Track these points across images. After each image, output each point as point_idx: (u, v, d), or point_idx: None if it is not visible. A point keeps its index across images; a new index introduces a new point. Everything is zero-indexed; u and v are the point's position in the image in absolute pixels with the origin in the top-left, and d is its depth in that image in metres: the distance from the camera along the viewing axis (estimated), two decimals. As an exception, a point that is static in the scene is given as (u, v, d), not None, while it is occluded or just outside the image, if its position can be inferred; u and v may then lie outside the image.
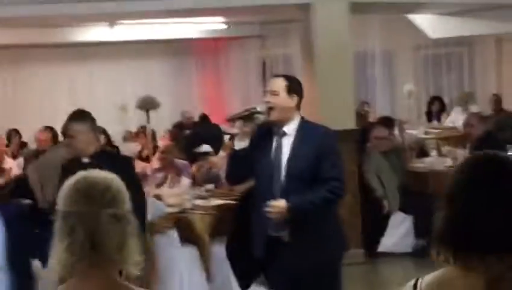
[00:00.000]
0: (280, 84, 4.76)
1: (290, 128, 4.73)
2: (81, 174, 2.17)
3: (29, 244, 5.70)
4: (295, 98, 4.76)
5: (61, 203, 2.12)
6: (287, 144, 4.71)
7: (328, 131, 4.83)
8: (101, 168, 5.20)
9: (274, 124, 4.75)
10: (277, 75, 5.04)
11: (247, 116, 4.78)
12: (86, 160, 5.31)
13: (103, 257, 2.06)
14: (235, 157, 4.84)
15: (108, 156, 5.53)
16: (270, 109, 4.71)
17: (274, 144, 4.72)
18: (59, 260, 2.06)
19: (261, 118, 4.77)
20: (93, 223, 2.05)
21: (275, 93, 4.73)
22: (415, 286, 2.08)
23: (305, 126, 4.75)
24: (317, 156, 4.60)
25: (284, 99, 4.72)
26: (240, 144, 4.75)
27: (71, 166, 5.44)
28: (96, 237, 2.05)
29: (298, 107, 4.79)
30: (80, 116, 5.50)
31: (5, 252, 4.90)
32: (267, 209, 4.55)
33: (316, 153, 4.60)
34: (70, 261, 2.05)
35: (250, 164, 4.74)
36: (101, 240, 2.05)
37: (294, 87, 4.80)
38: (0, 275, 4.89)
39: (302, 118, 4.80)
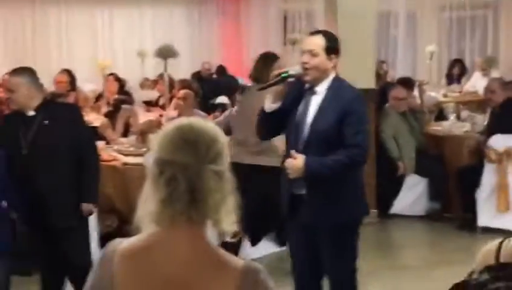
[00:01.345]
0: (319, 43, 4.55)
1: (322, 87, 4.57)
2: (185, 120, 2.04)
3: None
4: (334, 59, 4.58)
5: (160, 150, 1.99)
6: (315, 103, 4.57)
7: (357, 96, 4.62)
8: (47, 120, 5.24)
9: (310, 84, 4.59)
10: (314, 32, 4.73)
11: (280, 82, 4.57)
12: (31, 113, 5.34)
13: (201, 214, 1.96)
14: (267, 117, 4.67)
15: (54, 108, 5.56)
16: (307, 69, 4.51)
17: (303, 102, 4.59)
18: (152, 211, 1.97)
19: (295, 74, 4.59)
20: (196, 178, 1.94)
21: (313, 53, 4.52)
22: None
23: (336, 86, 4.57)
24: (341, 120, 4.46)
25: (322, 60, 4.53)
26: (272, 106, 4.57)
27: (14, 119, 5.49)
28: (197, 192, 1.94)
29: (335, 67, 4.62)
30: (19, 70, 5.50)
31: None
32: (286, 166, 4.47)
33: (340, 117, 4.46)
34: (166, 214, 1.95)
35: (281, 120, 4.63)
36: (202, 196, 1.94)
37: (333, 46, 4.59)
38: None
39: (337, 77, 4.63)
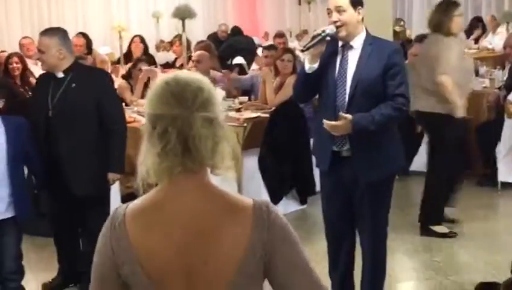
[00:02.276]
0: None
1: (357, 43, 4.58)
2: (170, 75, 2.08)
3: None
4: (361, 10, 4.59)
5: (150, 106, 2.03)
6: (353, 58, 4.57)
7: (398, 48, 4.69)
8: (75, 82, 5.21)
9: (345, 40, 4.59)
10: None
11: (321, 41, 4.57)
12: (60, 75, 5.30)
13: (196, 161, 1.99)
14: (307, 78, 4.67)
15: (84, 70, 5.50)
16: (339, 26, 4.51)
17: (339, 58, 4.59)
18: (151, 166, 2.00)
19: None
20: (186, 127, 1.97)
21: (341, 10, 4.53)
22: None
23: (373, 41, 4.59)
24: (385, 72, 4.50)
25: (351, 14, 4.53)
26: (313, 67, 4.57)
27: (45, 81, 5.46)
28: (189, 141, 1.97)
29: (363, 18, 4.62)
30: (50, 30, 5.44)
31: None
32: (331, 124, 4.47)
33: (384, 69, 4.50)
34: (163, 167, 1.99)
35: (319, 80, 4.62)
36: (194, 144, 1.97)
37: None
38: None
39: (368, 32, 4.63)
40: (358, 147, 4.58)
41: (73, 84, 5.27)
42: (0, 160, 4.95)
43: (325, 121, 4.49)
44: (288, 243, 2.07)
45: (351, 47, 4.58)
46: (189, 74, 2.09)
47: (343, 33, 4.54)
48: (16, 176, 5.04)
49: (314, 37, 4.50)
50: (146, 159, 2.01)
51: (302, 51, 4.81)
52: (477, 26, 14.64)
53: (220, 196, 2.06)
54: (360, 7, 4.58)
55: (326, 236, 5.00)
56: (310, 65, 4.55)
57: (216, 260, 1.99)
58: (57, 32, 5.40)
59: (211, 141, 2.00)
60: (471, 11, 16.49)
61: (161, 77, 2.09)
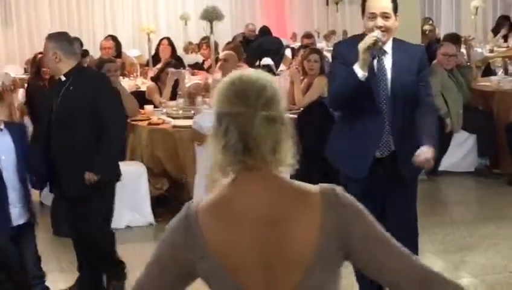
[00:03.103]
0: (389, 5, 4.56)
1: (388, 47, 4.61)
2: (237, 73, 2.12)
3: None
4: (398, 17, 4.62)
5: (216, 103, 2.09)
6: (388, 62, 4.60)
7: (424, 50, 4.82)
8: (73, 86, 5.23)
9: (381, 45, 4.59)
10: None
11: (375, 46, 4.58)
12: (62, 78, 5.34)
13: (257, 159, 2.03)
14: (354, 84, 4.66)
15: (84, 75, 5.46)
16: (384, 31, 4.49)
17: (375, 63, 4.57)
18: (216, 161, 2.06)
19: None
20: (247, 126, 2.01)
21: (387, 16, 4.53)
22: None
23: (400, 43, 4.65)
24: (419, 71, 4.60)
25: (394, 21, 4.57)
26: (364, 74, 4.57)
27: (54, 84, 5.56)
28: (249, 139, 2.02)
29: None
30: (51, 34, 5.48)
31: None
32: (415, 158, 4.48)
33: (417, 72, 4.59)
34: (225, 163, 2.05)
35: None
36: (255, 143, 2.02)
37: (397, 4, 4.63)
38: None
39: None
40: (402, 148, 4.62)
41: (71, 88, 5.29)
42: (10, 166, 4.98)
43: (417, 159, 4.49)
44: (361, 219, 2.09)
45: (385, 52, 4.60)
46: (256, 73, 2.12)
47: (385, 38, 4.54)
48: (25, 180, 5.09)
49: (372, 43, 4.40)
50: (212, 155, 2.08)
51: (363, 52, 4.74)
52: (504, 25, 14.53)
53: (287, 185, 2.10)
54: (398, 13, 4.60)
55: None
56: (363, 72, 4.49)
57: (291, 248, 2.03)
58: (56, 36, 5.47)
59: (271, 140, 2.04)
60: (501, 9, 16.36)
61: (229, 75, 2.13)
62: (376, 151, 4.65)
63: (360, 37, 4.60)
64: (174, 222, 2.13)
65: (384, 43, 4.55)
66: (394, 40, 4.64)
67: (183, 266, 2.10)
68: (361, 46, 4.41)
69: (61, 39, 5.40)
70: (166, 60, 9.89)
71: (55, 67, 5.38)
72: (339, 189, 2.13)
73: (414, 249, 4.87)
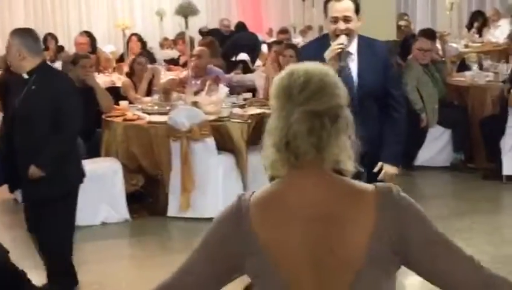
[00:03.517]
0: (350, 7, 4.55)
1: (353, 47, 4.60)
2: (290, 67, 2.07)
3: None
4: (360, 17, 4.61)
5: (271, 97, 2.05)
6: (353, 63, 4.60)
7: (387, 48, 4.83)
8: (36, 85, 5.11)
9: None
10: None
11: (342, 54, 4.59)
12: (25, 76, 5.20)
13: (299, 156, 1.97)
14: None
15: (48, 74, 5.28)
16: (347, 35, 4.51)
17: (341, 64, 4.52)
18: (266, 158, 2.02)
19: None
20: (288, 121, 1.96)
21: (348, 19, 4.53)
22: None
23: (365, 43, 4.63)
24: (384, 73, 4.60)
25: (355, 23, 4.57)
26: None
27: (13, 80, 5.44)
28: (290, 135, 1.96)
29: None
30: (14, 31, 5.32)
31: None
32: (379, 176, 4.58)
33: (383, 71, 4.60)
34: (274, 159, 2.00)
35: None
36: (294, 139, 1.96)
37: (358, 5, 4.63)
38: None
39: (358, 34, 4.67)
40: (371, 149, 4.64)
41: (33, 87, 5.13)
42: None
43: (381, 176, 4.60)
44: (420, 223, 2.00)
45: (350, 53, 4.59)
46: (309, 66, 2.06)
47: (348, 42, 4.55)
48: None
49: (339, 51, 4.45)
50: (264, 151, 2.03)
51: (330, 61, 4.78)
52: (476, 19, 14.61)
53: (340, 182, 2.02)
54: (359, 14, 4.59)
55: None
56: None
57: (342, 247, 1.96)
58: (21, 32, 5.29)
59: (314, 136, 1.96)
60: (476, 4, 16.45)
61: (285, 69, 2.09)
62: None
63: (324, 38, 4.67)
64: (224, 214, 2.08)
65: (347, 46, 4.56)
66: (360, 37, 4.63)
67: (230, 259, 2.05)
68: (328, 54, 4.44)
69: (26, 36, 5.20)
70: (137, 53, 9.87)
71: (18, 65, 5.18)
72: (396, 189, 2.02)
73: None
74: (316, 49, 4.63)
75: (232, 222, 2.04)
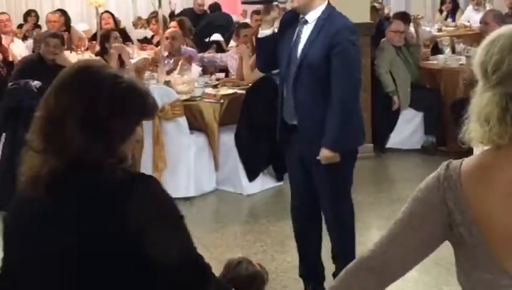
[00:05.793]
0: None
1: (312, 17, 4.51)
2: (491, 37, 1.99)
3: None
4: None
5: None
6: (305, 33, 4.53)
7: (347, 26, 4.53)
8: None
9: (299, 12, 4.56)
10: None
11: (265, 2, 4.58)
12: None
13: (494, 134, 1.91)
14: (260, 43, 4.72)
15: None
16: None
17: (296, 32, 4.56)
18: (475, 130, 1.96)
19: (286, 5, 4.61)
20: (481, 101, 1.95)
21: None
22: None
23: (327, 16, 4.50)
24: (329, 51, 4.42)
25: None
26: (264, 32, 4.62)
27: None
28: (482, 115, 1.93)
29: None
30: None
31: None
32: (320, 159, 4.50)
33: (328, 48, 4.42)
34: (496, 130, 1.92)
35: (275, 51, 4.64)
36: (486, 119, 1.93)
37: None
38: None
39: (329, 6, 4.56)
40: (302, 123, 4.66)
41: None
42: None
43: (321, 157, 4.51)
44: None
45: (306, 21, 4.54)
46: (504, 39, 1.97)
47: (294, 4, 4.52)
48: None
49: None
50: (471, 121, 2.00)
51: (242, 2, 4.85)
52: (445, 2, 14.66)
53: None
54: None
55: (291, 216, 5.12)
56: (261, 30, 4.59)
57: None
58: None
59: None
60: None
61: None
62: (284, 117, 4.69)
63: None
64: (431, 181, 2.02)
65: (297, 9, 4.53)
66: (326, 9, 4.53)
67: (436, 230, 2.00)
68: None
69: None
70: (108, 29, 9.79)
71: None
72: None
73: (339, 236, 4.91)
74: (293, 17, 4.62)
75: (441, 190, 1.98)
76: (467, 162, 2.00)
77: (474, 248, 1.94)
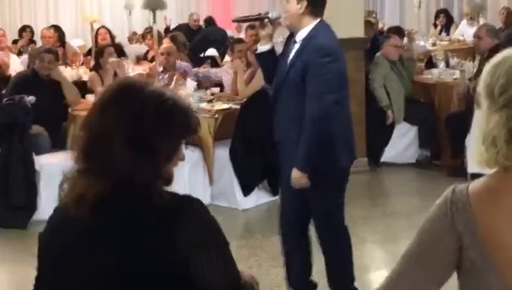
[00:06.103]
0: None
1: (300, 36, 4.50)
2: (497, 60, 1.98)
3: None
4: (304, 3, 4.43)
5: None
6: (292, 53, 4.53)
7: (319, 47, 4.42)
8: None
9: (290, 31, 4.60)
10: None
11: (256, 20, 4.62)
12: None
13: (500, 157, 1.91)
14: (258, 59, 4.77)
15: None
16: (285, 15, 4.53)
17: (288, 51, 4.58)
18: (479, 152, 1.96)
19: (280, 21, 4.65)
20: (487, 122, 1.93)
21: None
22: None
23: (312, 36, 4.46)
24: (303, 73, 4.41)
25: (293, 5, 4.45)
26: (261, 48, 4.67)
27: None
28: (488, 136, 1.92)
29: (311, 13, 4.46)
30: None
31: None
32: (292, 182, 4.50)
33: (302, 70, 4.41)
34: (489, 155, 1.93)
35: (274, 67, 4.67)
36: (491, 141, 1.92)
37: None
38: None
39: (319, 24, 4.50)
40: (282, 140, 4.69)
41: None
42: None
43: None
44: None
45: (295, 41, 4.55)
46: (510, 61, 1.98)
47: (285, 22, 4.56)
48: None
49: (255, 15, 4.66)
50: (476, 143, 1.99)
51: (233, 21, 4.91)
52: (439, 17, 14.72)
53: None
54: (304, 1, 4.44)
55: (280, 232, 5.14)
56: (259, 46, 4.64)
57: None
58: None
59: None
60: (444, 3, 16.53)
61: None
62: (275, 132, 4.75)
63: None
64: (438, 209, 2.02)
65: (288, 28, 4.58)
66: (315, 28, 4.48)
67: (447, 257, 1.98)
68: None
69: None
70: (104, 45, 9.80)
71: None
72: None
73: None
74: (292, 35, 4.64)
75: (450, 215, 1.97)
76: (474, 184, 1.99)
77: (483, 274, 1.93)
